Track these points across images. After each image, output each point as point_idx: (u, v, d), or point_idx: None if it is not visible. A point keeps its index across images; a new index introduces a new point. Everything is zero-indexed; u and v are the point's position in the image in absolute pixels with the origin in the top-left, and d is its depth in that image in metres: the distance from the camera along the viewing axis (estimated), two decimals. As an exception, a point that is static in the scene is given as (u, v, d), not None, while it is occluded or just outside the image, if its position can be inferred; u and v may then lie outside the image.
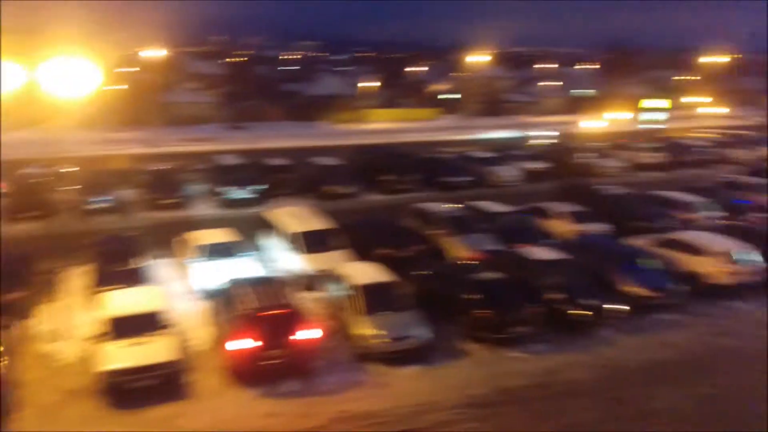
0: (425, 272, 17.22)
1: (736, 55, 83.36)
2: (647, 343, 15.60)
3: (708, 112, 60.04)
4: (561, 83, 75.00)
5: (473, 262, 17.87)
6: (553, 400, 13.06)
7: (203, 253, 17.78)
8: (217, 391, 12.83)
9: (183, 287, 17.46)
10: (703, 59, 71.71)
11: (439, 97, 69.64)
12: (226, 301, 14.27)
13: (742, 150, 40.10)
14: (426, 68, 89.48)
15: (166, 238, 20.59)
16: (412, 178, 30.55)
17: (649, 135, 44.63)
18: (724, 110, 60.10)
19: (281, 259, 18.80)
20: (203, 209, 26.43)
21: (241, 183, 27.38)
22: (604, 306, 16.07)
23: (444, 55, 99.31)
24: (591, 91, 71.60)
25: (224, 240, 18.48)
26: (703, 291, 18.05)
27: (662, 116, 47.83)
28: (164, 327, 13.38)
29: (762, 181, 28.98)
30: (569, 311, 15.80)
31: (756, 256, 18.63)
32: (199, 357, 13.95)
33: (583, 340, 15.48)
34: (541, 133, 38.57)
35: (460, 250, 19.56)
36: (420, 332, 14.40)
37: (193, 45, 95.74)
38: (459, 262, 18.47)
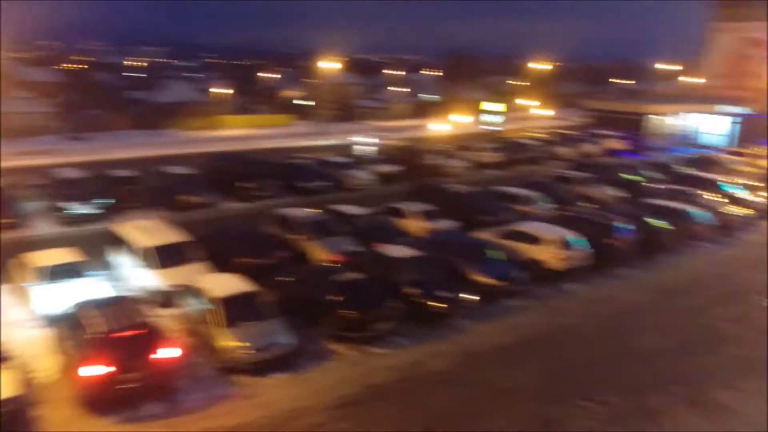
0: (289, 278, 17.27)
1: (558, 63, 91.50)
2: (498, 328, 16.85)
3: (538, 113, 65.36)
4: (408, 89, 77.97)
5: (335, 265, 18.22)
6: (420, 390, 13.74)
7: (44, 275, 16.43)
8: (70, 423, 12.00)
9: (23, 314, 16.10)
10: (531, 66, 77.91)
11: (294, 102, 69.68)
12: (73, 326, 13.33)
13: (567, 148, 44.16)
14: (278, 75, 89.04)
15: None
16: (271, 184, 30.35)
17: (489, 136, 47.84)
18: (551, 112, 65.72)
19: (133, 276, 17.91)
20: (43, 228, 24.44)
21: (84, 197, 25.56)
22: (458, 297, 17.14)
23: (296, 62, 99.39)
24: (436, 96, 75.11)
25: (67, 260, 17.17)
26: (542, 276, 19.79)
27: (499, 118, 51.35)
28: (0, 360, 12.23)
29: (585, 174, 32.21)
30: (427, 304, 16.65)
31: (584, 242, 20.75)
32: (46, 388, 12.95)
33: (442, 331, 16.40)
34: (366, 139, 39.81)
35: (322, 253, 19.83)
36: (285, 339, 14.44)
37: (23, 51, 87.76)
38: (321, 266, 18.74)
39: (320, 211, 23.48)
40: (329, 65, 59.50)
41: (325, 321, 15.61)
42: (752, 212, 27.46)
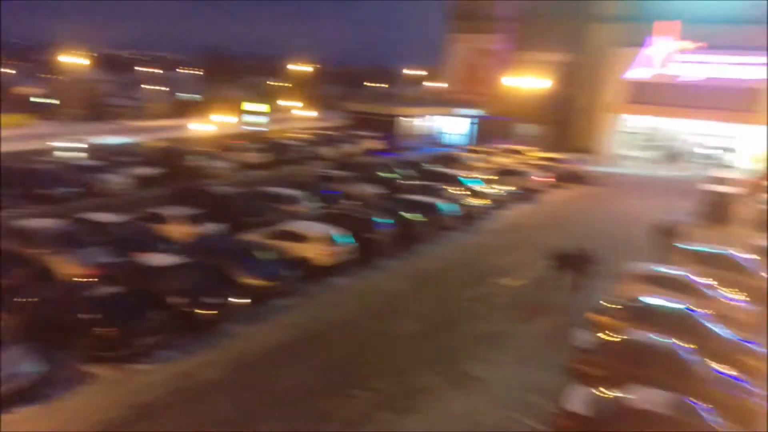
0: (32, 299, 15.39)
1: (318, 65, 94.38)
2: (269, 329, 16.89)
3: (300, 115, 66.73)
4: (166, 87, 74.16)
5: (88, 279, 16.67)
6: (191, 402, 13.19)
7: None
8: None
9: None
10: (292, 67, 79.35)
11: (32, 101, 62.01)
12: None
13: (329, 148, 45.81)
14: (11, 69, 78.42)
15: None
16: (5, 193, 26.68)
17: (253, 136, 47.62)
18: (312, 113, 67.57)
19: None
20: None
21: None
22: (228, 302, 16.81)
23: (33, 55, 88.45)
24: (196, 96, 72.56)
25: None
26: (311, 273, 20.29)
27: (263, 119, 51.37)
28: None
29: (347, 173, 33.74)
30: (195, 312, 16.05)
31: (348, 237, 21.74)
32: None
33: (212, 338, 15.94)
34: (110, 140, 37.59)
35: (71, 267, 17.99)
36: (30, 367, 12.86)
37: None
38: (71, 281, 16.99)
39: (67, 220, 21.30)
40: (73, 60, 54.06)
41: (79, 342, 14.21)
42: (489, 202, 31.03)
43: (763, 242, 23.57)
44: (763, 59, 45.44)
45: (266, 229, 22.29)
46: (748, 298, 18.51)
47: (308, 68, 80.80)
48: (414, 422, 12.98)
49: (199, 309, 16.10)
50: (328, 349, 16.05)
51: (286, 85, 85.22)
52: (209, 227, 22.79)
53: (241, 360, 15.17)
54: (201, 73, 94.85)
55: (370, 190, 30.79)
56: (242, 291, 17.59)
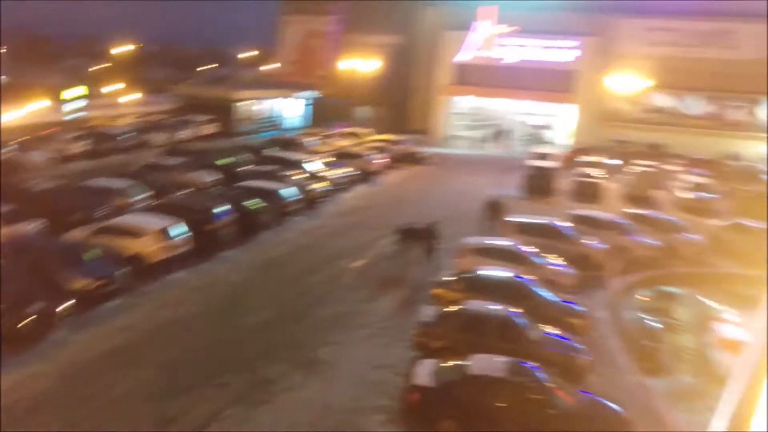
0: None
1: (144, 47, 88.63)
2: (104, 333, 15.67)
3: (126, 99, 62.30)
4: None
5: None
6: (17, 422, 11.87)
7: None
8: None
9: None
10: (116, 50, 73.74)
11: None
12: None
13: (159, 134, 43.31)
14: None
15: None
16: None
17: (74, 124, 43.65)
18: (140, 98, 63.34)
19: None
20: None
21: None
22: (54, 308, 15.31)
23: None
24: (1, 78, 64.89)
25: None
26: (146, 270, 19.10)
27: (83, 104, 47.26)
28: None
29: (181, 161, 32.10)
30: (14, 325, 14.43)
31: (185, 229, 20.70)
32: None
33: (39, 350, 14.47)
34: None
35: None
36: None
37: None
38: None
39: None
40: None
41: None
42: (328, 185, 31.13)
43: (580, 211, 25.99)
44: (574, 43, 49.92)
45: (92, 225, 20.58)
46: (568, 263, 20.33)
47: (133, 50, 75.54)
48: (264, 414, 12.75)
49: (18, 321, 14.49)
50: (171, 348, 15.25)
51: (109, 67, 79.03)
52: (25, 227, 20.56)
53: (73, 369, 13.94)
54: (4, 52, 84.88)
55: (206, 177, 29.57)
56: (69, 295, 16.11)
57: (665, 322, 17.43)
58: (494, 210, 25.48)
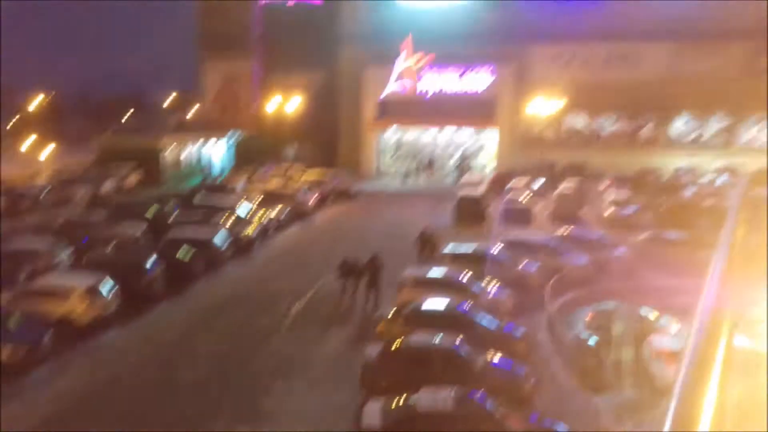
0: None
1: (61, 98, 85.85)
2: (29, 406, 14.68)
3: (44, 154, 59.85)
4: None
5: None
6: None
7: None
8: None
9: None
10: (30, 101, 71.04)
11: None
12: None
13: (80, 188, 41.53)
14: None
15: None
16: None
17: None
18: (58, 151, 60.93)
19: None
20: None
21: None
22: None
23: None
24: None
25: None
26: (76, 332, 18.14)
27: (-4, 162, 45.02)
28: None
29: (106, 214, 30.89)
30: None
31: (113, 285, 19.82)
32: None
33: (-47, 431, 13.43)
34: None
35: None
36: None
37: None
38: None
39: None
40: None
41: None
42: (260, 228, 30.59)
43: (512, 235, 26.53)
44: (488, 71, 51.66)
45: (14, 289, 19.44)
46: (505, 288, 20.64)
47: (49, 101, 72.94)
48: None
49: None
50: (105, 415, 14.41)
51: (24, 121, 75.94)
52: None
53: (-5, 449, 12.99)
54: None
55: (133, 229, 28.54)
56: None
57: (604, 338, 17.87)
58: (426, 242, 25.58)
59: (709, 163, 48.72)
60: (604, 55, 51.25)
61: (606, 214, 33.71)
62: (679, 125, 51.46)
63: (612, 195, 36.31)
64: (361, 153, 54.52)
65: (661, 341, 15.96)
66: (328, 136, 55.92)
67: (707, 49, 48.78)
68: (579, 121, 53.13)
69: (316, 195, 38.89)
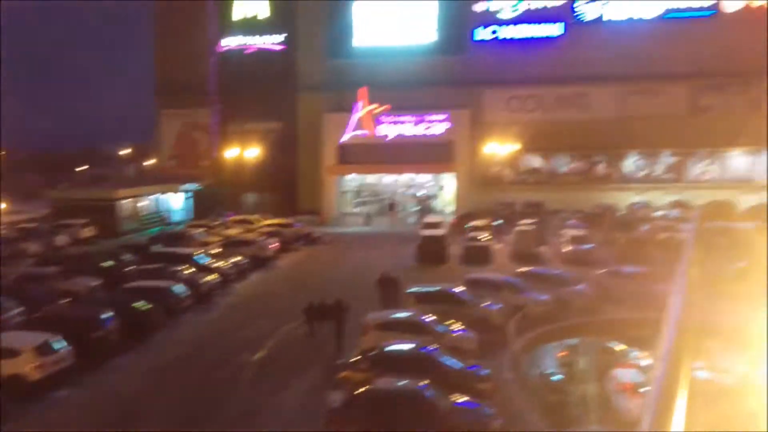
0: None
1: (11, 151, 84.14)
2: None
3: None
4: None
5: None
6: None
7: None
8: None
9: None
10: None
11: None
12: None
13: (33, 242, 40.44)
14: None
15: None
16: None
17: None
18: (9, 206, 59.31)
19: None
20: None
21: None
22: None
23: None
24: None
25: None
26: (27, 391, 17.37)
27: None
28: None
29: (58, 269, 29.93)
30: None
31: (64, 342, 19.11)
32: None
33: None
34: None
35: None
36: None
37: None
38: None
39: None
40: None
41: None
42: (221, 276, 30.15)
43: (474, 275, 26.66)
44: (444, 116, 52.69)
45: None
46: (468, 328, 20.61)
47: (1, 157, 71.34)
48: None
49: None
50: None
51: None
52: None
53: None
54: None
55: (88, 283, 27.78)
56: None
57: (568, 374, 17.91)
58: (386, 286, 25.34)
59: (661, 198, 50.20)
60: (556, 97, 52.85)
61: (565, 250, 34.23)
62: (631, 162, 53.02)
63: (570, 232, 36.93)
64: (322, 198, 54.52)
65: (625, 375, 16.07)
66: (288, 183, 55.87)
67: (653, 90, 50.86)
68: (535, 161, 54.34)
69: (277, 241, 38.58)
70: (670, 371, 3.34)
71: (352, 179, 57.10)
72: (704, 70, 49.06)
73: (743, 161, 51.07)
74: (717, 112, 50.35)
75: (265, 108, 54.87)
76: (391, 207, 53.31)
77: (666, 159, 52.35)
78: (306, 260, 37.86)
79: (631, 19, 51.34)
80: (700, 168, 51.95)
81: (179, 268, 28.62)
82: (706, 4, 50.45)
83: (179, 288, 25.99)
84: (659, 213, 45.98)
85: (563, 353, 19.64)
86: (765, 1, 49.07)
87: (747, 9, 49.61)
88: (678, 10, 50.83)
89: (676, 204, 47.62)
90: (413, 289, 23.89)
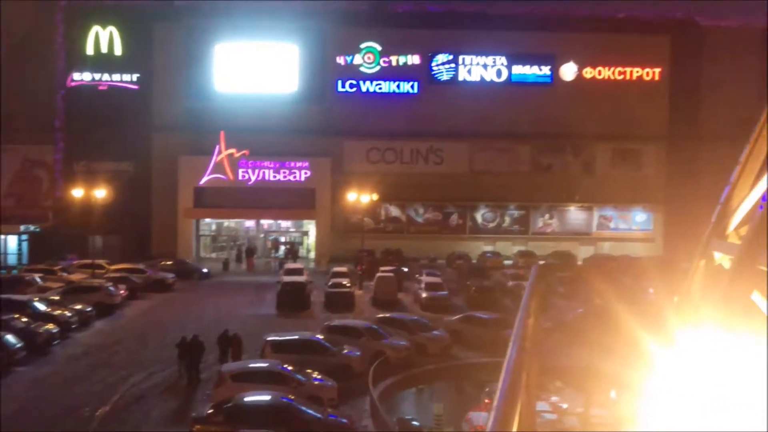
0: None
1: None
2: None
3: None
4: None
5: None
6: None
7: None
8: None
9: None
10: None
11: None
12: None
13: None
14: None
15: None
16: None
17: None
18: None
19: None
20: None
21: None
22: None
23: None
24: None
25: None
26: None
27: None
28: None
29: None
30: None
31: None
32: None
33: None
34: None
35: None
36: None
37: None
38: None
39: None
40: None
41: None
42: (61, 326, 27.70)
43: (335, 322, 26.66)
44: (305, 164, 53.07)
45: None
46: (329, 375, 20.48)
47: None
48: None
49: None
50: None
51: None
52: None
53: None
54: None
55: None
56: None
57: (424, 419, 18.31)
58: (227, 344, 23.69)
59: (510, 248, 53.73)
60: (413, 150, 55.23)
61: (423, 296, 35.33)
62: (482, 214, 56.31)
63: (426, 279, 38.22)
64: (178, 242, 52.24)
65: (479, 418, 16.71)
66: (142, 226, 53.03)
67: (501, 147, 54.89)
68: (394, 210, 56.03)
69: (125, 287, 36.22)
70: (506, 412, 3.59)
71: (211, 223, 55.43)
72: (544, 131, 53.93)
73: (580, 216, 56.17)
74: (556, 171, 55.33)
75: (117, 147, 52.07)
76: (251, 252, 52.20)
77: (513, 212, 56.22)
78: (157, 308, 35.74)
79: (482, 81, 55.32)
80: (542, 221, 56.33)
81: (13, 317, 25.90)
82: (546, 72, 55.63)
83: (11, 339, 23.48)
84: (508, 262, 49.03)
85: (418, 398, 20.10)
86: (595, 73, 55.24)
87: (580, 78, 55.41)
88: (522, 76, 55.58)
89: (523, 254, 51.09)
90: (272, 338, 23.38)
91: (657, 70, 55.21)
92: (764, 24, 51.53)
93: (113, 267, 42.34)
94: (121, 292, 35.26)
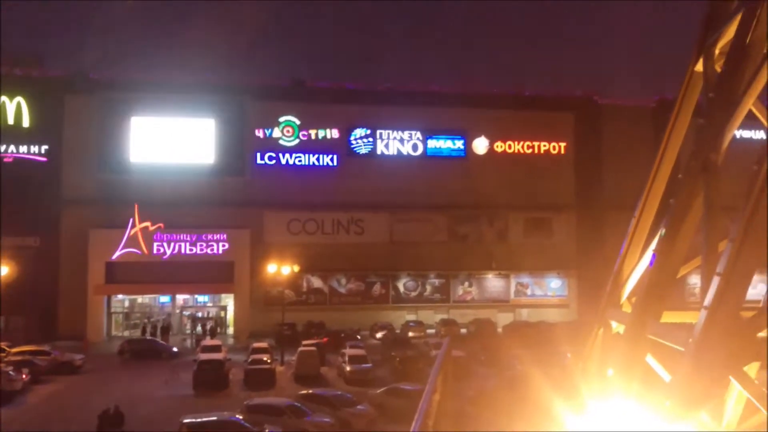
0: None
1: None
2: None
3: None
4: None
5: None
6: None
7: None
8: None
9: None
10: None
11: None
12: None
13: None
14: None
15: None
16: None
17: None
18: None
19: None
20: None
21: None
22: None
23: None
24: None
25: None
26: None
27: None
28: None
29: None
30: None
31: None
32: None
33: None
34: None
35: None
36: None
37: None
38: None
39: None
40: None
41: None
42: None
43: (255, 400, 25.80)
44: (223, 236, 52.26)
45: None
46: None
47: None
48: None
49: None
50: None
51: None
52: None
53: None
54: None
55: None
56: None
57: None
58: (108, 423, 22.86)
59: (432, 316, 54.23)
60: (334, 221, 55.61)
61: (347, 370, 34.83)
62: (403, 283, 56.82)
63: (350, 351, 37.81)
64: (87, 320, 49.52)
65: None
66: (48, 305, 50.07)
67: (418, 218, 56.18)
68: (316, 281, 55.66)
69: (28, 372, 33.79)
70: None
71: (124, 300, 53.12)
72: (460, 202, 55.80)
73: (498, 283, 57.67)
74: (472, 240, 57.00)
75: (23, 221, 49.57)
76: (166, 330, 50.11)
77: (434, 280, 57.08)
78: (62, 393, 33.41)
79: (399, 154, 56.98)
80: (462, 289, 57.40)
81: None
82: (460, 146, 58.04)
83: None
84: (431, 330, 49.35)
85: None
86: (506, 146, 58.13)
87: (492, 152, 58.10)
88: (437, 149, 57.73)
89: (446, 322, 51.60)
90: (188, 419, 22.39)
91: (563, 144, 58.78)
92: (653, 102, 56.93)
93: (14, 350, 39.51)
94: (23, 376, 32.89)
